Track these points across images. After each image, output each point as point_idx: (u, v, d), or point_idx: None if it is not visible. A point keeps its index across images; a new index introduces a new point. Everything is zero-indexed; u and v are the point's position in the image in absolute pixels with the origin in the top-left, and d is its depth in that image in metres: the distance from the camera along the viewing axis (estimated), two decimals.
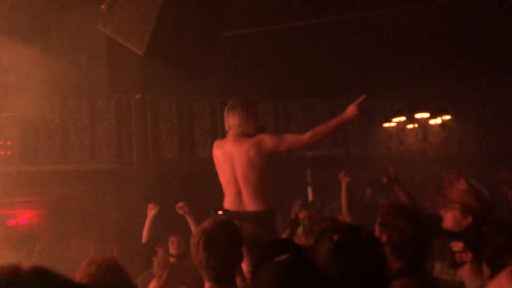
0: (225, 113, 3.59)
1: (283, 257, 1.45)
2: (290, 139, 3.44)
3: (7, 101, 5.69)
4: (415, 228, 2.17)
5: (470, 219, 2.73)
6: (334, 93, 7.94)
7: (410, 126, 7.57)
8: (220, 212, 3.02)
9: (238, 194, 3.54)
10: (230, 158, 3.54)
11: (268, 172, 3.49)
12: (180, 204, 4.31)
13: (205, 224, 2.23)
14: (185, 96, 6.85)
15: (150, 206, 4.33)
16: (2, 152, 5.66)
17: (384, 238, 2.14)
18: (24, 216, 5.97)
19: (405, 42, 6.28)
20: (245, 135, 3.50)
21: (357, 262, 1.59)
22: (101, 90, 6.27)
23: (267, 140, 3.43)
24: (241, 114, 3.55)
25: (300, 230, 3.61)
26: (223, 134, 3.70)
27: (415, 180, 6.78)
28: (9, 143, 5.71)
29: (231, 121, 3.53)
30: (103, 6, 4.06)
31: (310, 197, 8.05)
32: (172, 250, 4.34)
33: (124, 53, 5.18)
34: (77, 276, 1.94)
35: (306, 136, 3.33)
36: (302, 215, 3.79)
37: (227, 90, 6.57)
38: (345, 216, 3.87)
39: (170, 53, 4.46)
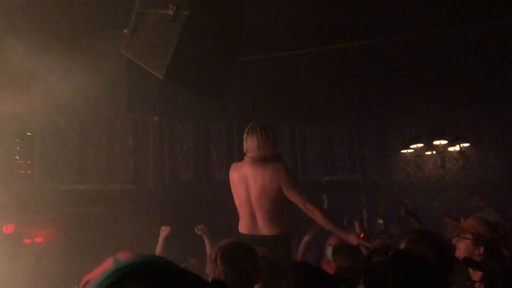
0: (245, 136, 3.63)
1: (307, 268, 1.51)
2: (298, 193, 3.40)
3: (27, 119, 5.81)
4: (439, 255, 2.17)
5: (482, 249, 2.71)
6: (351, 118, 7.92)
7: (428, 153, 7.48)
8: None
9: (252, 217, 3.53)
10: (245, 181, 3.54)
11: (282, 198, 3.46)
12: (199, 226, 4.32)
13: (222, 242, 2.25)
14: (202, 119, 6.91)
15: (162, 227, 4.36)
16: (22, 172, 5.76)
17: None
18: (40, 235, 6.02)
19: (425, 67, 6.26)
20: (262, 159, 3.52)
21: (411, 273, 1.64)
22: (119, 112, 6.36)
23: (284, 175, 3.43)
24: (260, 137, 3.56)
25: (329, 254, 3.55)
26: (239, 157, 3.72)
27: (434, 207, 6.65)
28: (29, 162, 5.81)
29: (250, 143, 3.57)
30: (125, 31, 4.17)
31: None
32: None
33: (143, 76, 5.28)
34: None
35: (309, 205, 3.35)
36: (332, 241, 3.75)
37: (244, 113, 6.60)
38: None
39: (189, 77, 4.53)
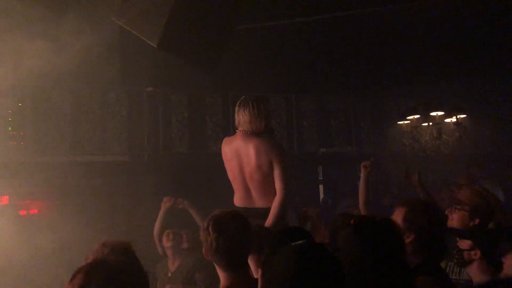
0: (236, 109, 3.58)
1: (299, 242, 1.48)
2: (281, 178, 3.40)
3: (19, 90, 5.70)
4: (436, 225, 2.18)
5: (477, 221, 2.72)
6: (347, 89, 7.84)
7: (424, 124, 7.45)
8: None
9: (247, 191, 3.52)
10: (237, 155, 3.51)
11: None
12: (179, 200, 4.32)
13: (215, 211, 2.28)
14: (197, 90, 6.82)
15: (166, 198, 4.33)
16: (15, 143, 5.68)
17: (409, 236, 2.18)
18: (35, 207, 6.00)
19: (423, 38, 6.16)
20: (254, 132, 3.49)
21: (376, 242, 1.62)
22: (113, 83, 6.25)
23: (275, 152, 3.43)
24: (252, 111, 3.52)
25: (308, 225, 3.60)
26: (234, 129, 3.67)
27: (428, 179, 6.68)
28: (22, 133, 5.73)
29: (241, 117, 3.53)
30: None
31: (322, 194, 7.99)
32: (184, 244, 4.34)
33: (137, 45, 5.16)
34: (90, 256, 1.98)
35: (283, 194, 3.34)
36: (311, 211, 3.78)
37: (240, 84, 6.51)
38: (361, 209, 3.81)
39: (183, 46, 4.42)
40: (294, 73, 7.14)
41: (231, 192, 3.59)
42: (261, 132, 3.51)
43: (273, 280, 1.47)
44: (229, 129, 6.62)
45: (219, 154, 3.62)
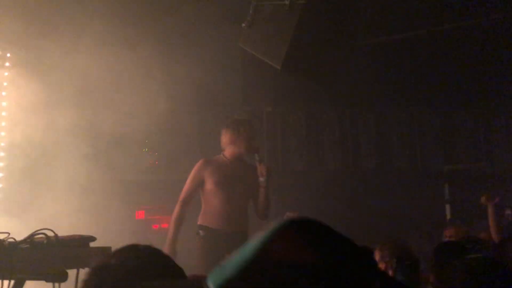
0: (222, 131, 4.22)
1: (475, 255, 1.46)
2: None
3: (151, 114, 6.22)
4: None
5: None
6: (475, 102, 7.29)
7: None
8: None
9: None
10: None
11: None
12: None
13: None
14: (314, 109, 6.87)
15: (288, 213, 4.44)
16: (151, 162, 6.22)
17: None
18: (166, 221, 6.47)
19: None
20: (236, 154, 4.10)
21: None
22: (235, 104, 6.55)
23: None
24: (231, 132, 4.07)
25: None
26: (353, 146, 3.65)
27: None
28: (156, 154, 6.26)
29: (223, 139, 4.19)
30: (243, 24, 4.29)
31: (448, 214, 7.46)
32: None
33: (257, 68, 5.39)
34: None
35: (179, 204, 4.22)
36: (448, 232, 3.65)
37: (357, 102, 6.42)
38: (494, 238, 3.65)
39: (304, 66, 4.53)
40: (414, 87, 6.85)
41: (346, 208, 3.56)
42: (244, 154, 4.13)
43: None
44: (348, 146, 6.55)
45: (335, 171, 3.64)
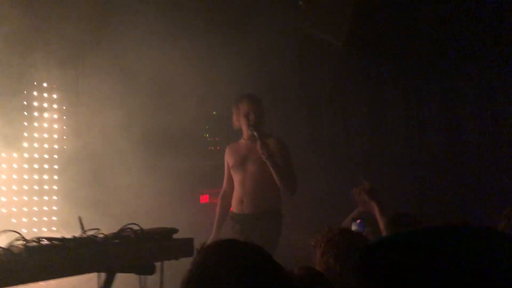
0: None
1: None
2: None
3: (212, 100, 6.27)
4: None
5: None
6: None
7: None
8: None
9: None
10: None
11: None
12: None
13: None
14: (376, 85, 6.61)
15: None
16: (212, 148, 6.30)
17: None
18: None
19: None
20: (248, 134, 4.25)
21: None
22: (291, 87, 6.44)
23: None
24: (234, 110, 4.30)
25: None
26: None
27: None
28: (217, 139, 6.32)
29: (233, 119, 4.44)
30: (300, 3, 4.17)
31: None
32: None
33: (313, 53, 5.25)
34: None
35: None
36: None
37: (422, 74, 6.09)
38: None
39: (367, 42, 4.36)
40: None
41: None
42: (244, 129, 4.26)
43: None
44: (412, 122, 6.25)
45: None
